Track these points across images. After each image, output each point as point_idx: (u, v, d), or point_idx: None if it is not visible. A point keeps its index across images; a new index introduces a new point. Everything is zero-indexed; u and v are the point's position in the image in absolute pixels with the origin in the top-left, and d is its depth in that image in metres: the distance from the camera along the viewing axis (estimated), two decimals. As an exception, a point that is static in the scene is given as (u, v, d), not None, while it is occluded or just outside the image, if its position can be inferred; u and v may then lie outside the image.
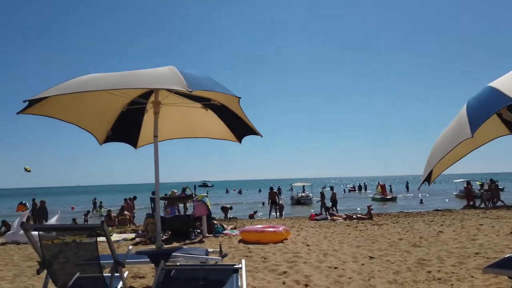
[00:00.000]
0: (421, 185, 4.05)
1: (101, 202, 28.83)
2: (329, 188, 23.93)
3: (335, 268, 5.65)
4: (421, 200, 31.10)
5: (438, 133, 3.73)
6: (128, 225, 15.44)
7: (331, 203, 20.28)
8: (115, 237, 10.96)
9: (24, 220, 10.87)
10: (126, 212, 16.52)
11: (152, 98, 4.45)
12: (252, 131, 4.63)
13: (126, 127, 4.96)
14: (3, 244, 10.14)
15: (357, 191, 55.11)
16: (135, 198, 20.20)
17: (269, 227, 9.26)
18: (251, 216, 20.88)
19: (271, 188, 22.45)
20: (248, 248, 7.84)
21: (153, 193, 10.42)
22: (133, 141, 5.21)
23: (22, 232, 10.28)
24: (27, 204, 11.28)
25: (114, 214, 16.48)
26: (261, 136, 4.66)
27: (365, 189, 56.10)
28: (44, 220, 15.58)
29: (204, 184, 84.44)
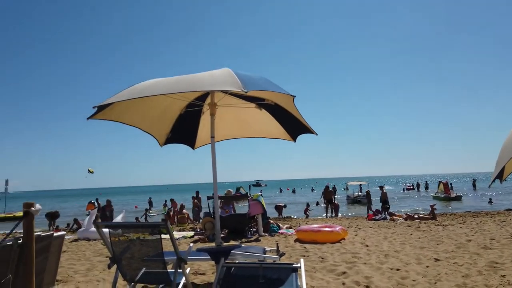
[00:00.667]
0: (492, 183, 3.77)
1: (165, 201, 29.89)
2: (379, 187, 23.12)
3: (398, 269, 5.42)
4: (490, 199, 28.81)
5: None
6: (187, 223, 16.03)
7: (381, 203, 19.53)
8: (175, 234, 11.44)
9: (94, 218, 11.73)
10: (184, 211, 17.16)
11: (208, 100, 4.57)
12: (307, 130, 4.59)
13: (184, 128, 5.15)
14: (75, 240, 10.98)
15: (415, 190, 52.49)
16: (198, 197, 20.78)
17: (326, 226, 9.12)
18: (306, 211, 20.69)
19: (327, 187, 22.04)
20: (305, 247, 7.77)
21: (208, 197, 10.68)
22: (191, 142, 5.40)
23: (92, 229, 11.09)
24: (96, 203, 12.14)
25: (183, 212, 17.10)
26: (316, 134, 4.60)
27: (426, 188, 53.25)
28: (110, 218, 16.67)
29: (257, 184, 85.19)
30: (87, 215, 18.39)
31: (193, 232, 11.95)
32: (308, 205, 22.46)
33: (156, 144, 5.10)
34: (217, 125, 4.55)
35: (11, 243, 4.15)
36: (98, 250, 8.75)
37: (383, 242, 8.13)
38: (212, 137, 4.28)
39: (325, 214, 20.77)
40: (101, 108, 3.67)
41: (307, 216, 20.41)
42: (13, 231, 4.15)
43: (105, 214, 15.43)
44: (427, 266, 5.57)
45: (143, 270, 3.87)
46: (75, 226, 15.55)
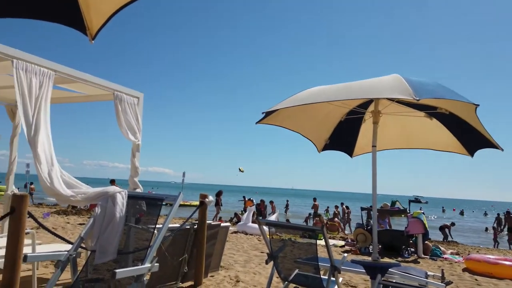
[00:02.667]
0: None
1: (327, 207, 29.60)
2: None
3: None
4: None
5: None
6: (337, 232, 15.82)
7: None
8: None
9: (251, 214, 12.73)
10: (336, 219, 16.98)
11: (371, 107, 4.39)
12: (490, 144, 3.93)
13: (343, 136, 5.08)
14: (235, 232, 12.12)
15: None
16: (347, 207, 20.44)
17: (506, 259, 7.65)
18: (495, 238, 17.78)
19: (508, 212, 18.47)
20: (476, 279, 6.69)
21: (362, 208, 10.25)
22: (350, 150, 5.28)
23: (249, 224, 12.04)
24: (254, 200, 13.15)
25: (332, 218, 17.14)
26: (502, 149, 3.90)
27: None
28: (263, 217, 17.82)
29: (416, 200, 77.83)
30: (243, 210, 20.12)
31: (344, 241, 11.70)
32: (498, 229, 19.12)
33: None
34: (379, 134, 4.32)
35: (188, 227, 4.85)
36: (255, 244, 9.43)
37: None
38: (374, 146, 4.09)
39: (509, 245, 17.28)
40: (268, 113, 3.94)
41: (496, 244, 17.61)
42: (190, 218, 4.84)
43: (259, 211, 16.57)
44: None
45: (296, 271, 3.98)
46: (235, 219, 17.19)
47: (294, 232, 3.91)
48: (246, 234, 11.80)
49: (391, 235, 10.16)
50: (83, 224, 12.41)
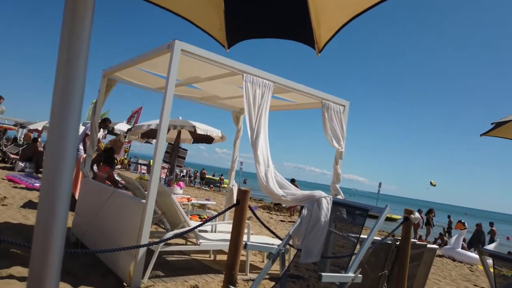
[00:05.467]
0: None
1: None
2: None
3: None
4: None
5: None
6: None
7: None
8: None
9: (461, 239, 11.05)
10: None
11: None
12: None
13: None
14: (440, 256, 10.77)
15: None
16: None
17: None
18: None
19: None
20: None
21: None
22: None
23: (459, 250, 10.53)
24: (466, 224, 11.38)
25: None
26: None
27: None
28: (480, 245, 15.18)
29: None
30: (446, 232, 17.72)
31: None
32: None
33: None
34: None
35: (390, 242, 4.57)
36: (465, 274, 8.15)
37: None
38: None
39: None
40: (499, 124, 3.30)
41: None
42: (393, 232, 4.55)
43: (478, 238, 14.30)
44: None
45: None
46: (439, 241, 15.37)
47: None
48: (454, 260, 10.35)
49: None
50: (283, 221, 13.53)
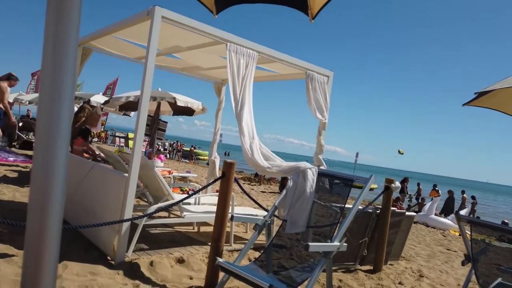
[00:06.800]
0: None
1: None
2: None
3: None
4: None
5: None
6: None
7: None
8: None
9: (435, 205, 11.52)
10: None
11: None
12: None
13: None
14: (414, 222, 11.22)
15: None
16: None
17: None
18: None
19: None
20: None
21: None
22: None
23: (432, 216, 10.97)
24: (440, 191, 11.84)
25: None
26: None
27: None
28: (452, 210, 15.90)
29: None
30: (415, 199, 18.45)
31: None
32: None
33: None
34: None
35: (371, 211, 4.70)
36: (439, 239, 8.54)
37: None
38: None
39: None
40: (481, 94, 3.35)
41: None
42: (374, 201, 4.66)
43: (449, 205, 14.92)
44: None
45: (499, 280, 3.40)
46: (415, 208, 16.00)
47: (488, 233, 3.36)
48: (427, 226, 10.81)
49: None
50: (264, 192, 13.71)
